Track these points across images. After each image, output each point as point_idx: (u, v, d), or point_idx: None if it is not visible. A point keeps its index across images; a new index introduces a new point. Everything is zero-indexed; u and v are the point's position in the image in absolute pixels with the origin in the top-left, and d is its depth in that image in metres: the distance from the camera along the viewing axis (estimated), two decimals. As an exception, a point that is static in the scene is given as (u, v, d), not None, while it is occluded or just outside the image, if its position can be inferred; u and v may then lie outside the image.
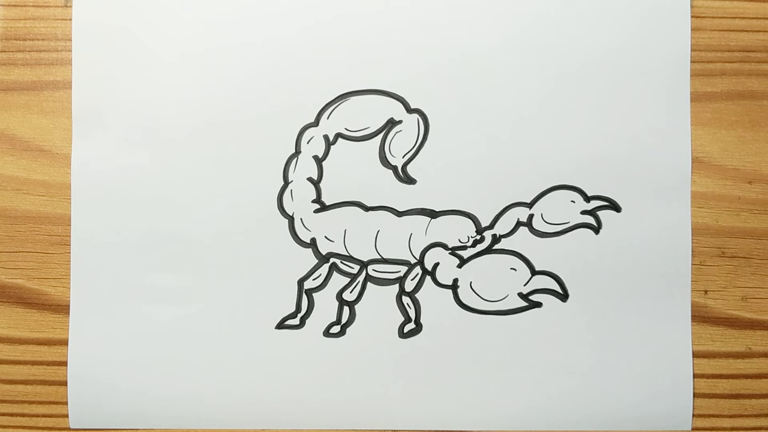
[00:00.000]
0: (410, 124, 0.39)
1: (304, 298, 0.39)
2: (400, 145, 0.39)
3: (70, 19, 0.39)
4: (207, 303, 0.39)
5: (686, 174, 0.39)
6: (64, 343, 0.39)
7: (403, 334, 0.39)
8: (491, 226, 0.39)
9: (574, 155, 0.39)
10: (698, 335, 0.39)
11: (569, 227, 0.39)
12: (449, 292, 0.39)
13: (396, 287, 0.39)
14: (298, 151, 0.39)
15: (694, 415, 0.39)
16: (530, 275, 0.39)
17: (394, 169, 0.39)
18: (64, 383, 0.40)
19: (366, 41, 0.39)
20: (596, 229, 0.39)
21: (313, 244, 0.39)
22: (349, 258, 0.39)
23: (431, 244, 0.39)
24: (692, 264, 0.39)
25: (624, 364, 0.39)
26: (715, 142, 0.39)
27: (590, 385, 0.39)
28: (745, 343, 0.40)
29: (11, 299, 0.40)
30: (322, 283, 0.39)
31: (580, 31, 0.39)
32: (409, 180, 0.39)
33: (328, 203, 0.39)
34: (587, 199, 0.39)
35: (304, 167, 0.39)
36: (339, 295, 0.39)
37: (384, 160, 0.39)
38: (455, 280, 0.39)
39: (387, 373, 0.39)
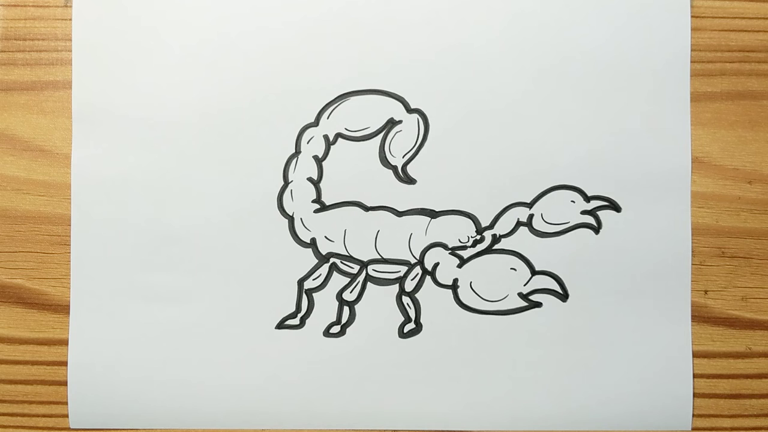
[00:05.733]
0: (410, 124, 0.39)
1: (304, 298, 0.39)
2: (400, 145, 0.39)
3: (70, 19, 0.39)
4: (207, 303, 0.39)
5: (686, 174, 0.39)
6: (64, 343, 0.39)
7: (403, 334, 0.39)
8: (491, 226, 0.39)
9: (575, 155, 0.39)
10: (698, 335, 0.39)
11: (569, 227, 0.39)
12: (449, 292, 0.39)
13: (396, 287, 0.39)
14: (298, 151, 0.39)
15: (694, 415, 0.39)
16: (530, 275, 0.39)
17: (394, 169, 0.39)
18: (64, 383, 0.40)
19: (366, 41, 0.39)
20: (596, 229, 0.39)
21: (313, 244, 0.39)
22: (349, 258, 0.39)
23: (431, 244, 0.39)
24: (692, 264, 0.39)
25: (624, 364, 0.39)
26: (715, 142, 0.39)
27: (590, 385, 0.39)
28: (745, 343, 0.40)
29: (11, 299, 0.40)
30: (322, 283, 0.39)
31: (580, 31, 0.39)
32: (409, 180, 0.39)
33: (328, 203, 0.39)
34: (587, 199, 0.39)
35: (304, 167, 0.39)
36: (339, 295, 0.39)
37: (384, 160, 0.39)
38: (455, 280, 0.39)
39: (387, 373, 0.39)
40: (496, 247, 0.39)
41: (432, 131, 0.39)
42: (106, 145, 0.39)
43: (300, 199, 0.39)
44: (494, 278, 0.39)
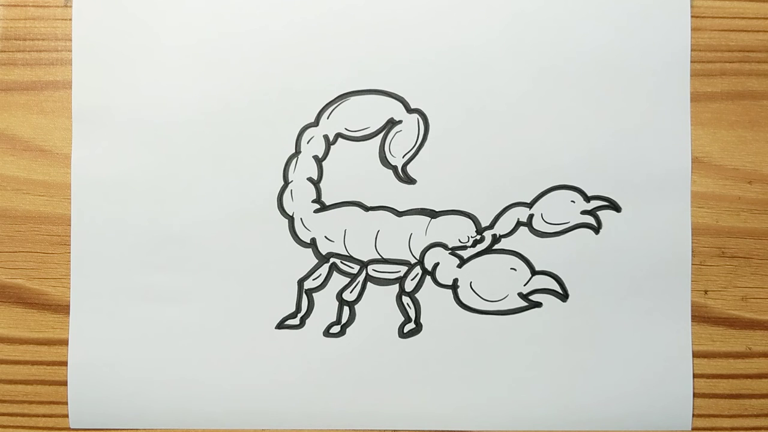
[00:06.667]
0: (410, 124, 0.39)
1: (304, 298, 0.39)
2: (400, 145, 0.39)
3: (70, 19, 0.39)
4: (207, 303, 0.39)
5: (686, 174, 0.39)
6: (64, 343, 0.39)
7: (403, 334, 0.39)
8: (491, 226, 0.39)
9: (575, 155, 0.39)
10: (698, 335, 0.39)
11: (569, 227, 0.39)
12: (449, 292, 0.39)
13: (396, 287, 0.39)
14: (298, 151, 0.39)
15: (694, 415, 0.39)
16: (530, 275, 0.39)
17: (394, 169, 0.39)
18: (64, 383, 0.40)
19: (366, 41, 0.39)
20: (596, 229, 0.39)
21: (313, 244, 0.39)
22: (349, 258, 0.39)
23: (431, 244, 0.39)
24: (692, 264, 0.39)
25: (624, 364, 0.39)
26: (715, 142, 0.39)
27: (590, 385, 0.39)
28: (745, 343, 0.40)
29: (11, 299, 0.40)
30: (322, 283, 0.39)
31: (581, 31, 0.39)
32: (409, 180, 0.39)
33: (328, 203, 0.39)
34: (587, 199, 0.39)
35: (304, 167, 0.39)
36: (339, 295, 0.39)
37: (384, 160, 0.39)
38: (455, 280, 0.39)
39: (387, 373, 0.39)
40: (496, 247, 0.39)
41: (432, 131, 0.39)
42: (106, 145, 0.39)
43: (300, 199, 0.39)
44: (494, 278, 0.39)
